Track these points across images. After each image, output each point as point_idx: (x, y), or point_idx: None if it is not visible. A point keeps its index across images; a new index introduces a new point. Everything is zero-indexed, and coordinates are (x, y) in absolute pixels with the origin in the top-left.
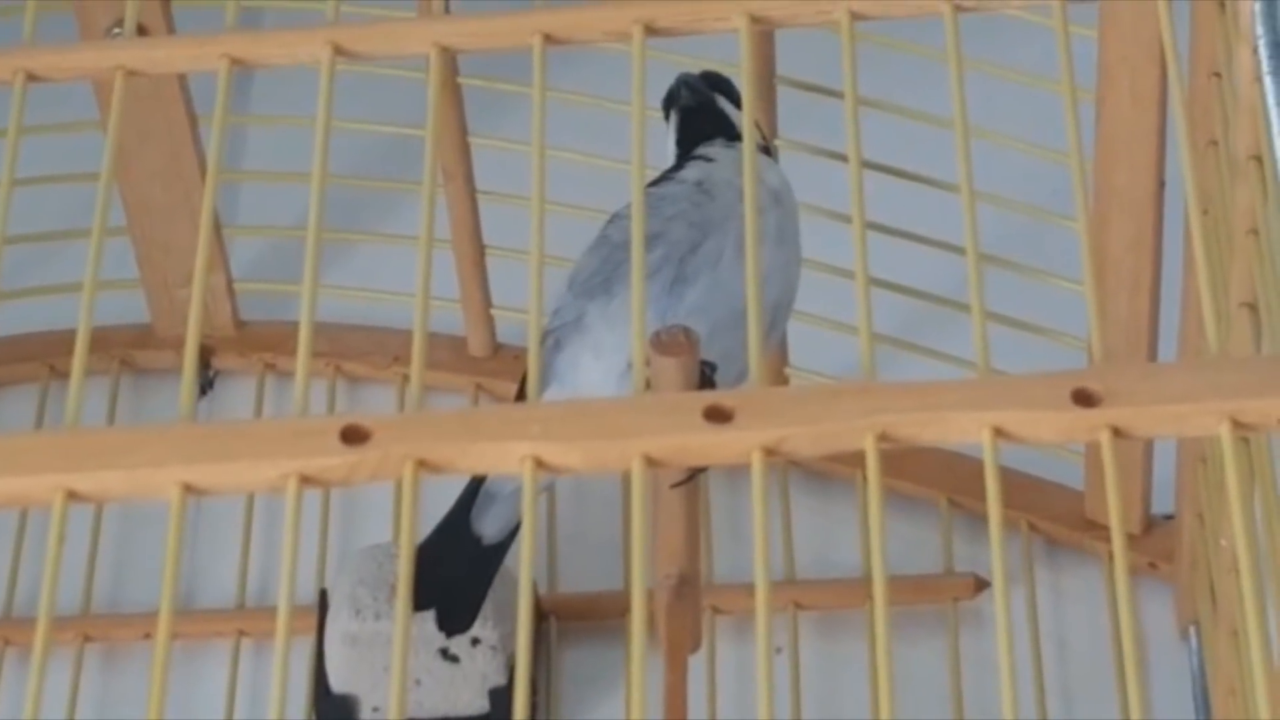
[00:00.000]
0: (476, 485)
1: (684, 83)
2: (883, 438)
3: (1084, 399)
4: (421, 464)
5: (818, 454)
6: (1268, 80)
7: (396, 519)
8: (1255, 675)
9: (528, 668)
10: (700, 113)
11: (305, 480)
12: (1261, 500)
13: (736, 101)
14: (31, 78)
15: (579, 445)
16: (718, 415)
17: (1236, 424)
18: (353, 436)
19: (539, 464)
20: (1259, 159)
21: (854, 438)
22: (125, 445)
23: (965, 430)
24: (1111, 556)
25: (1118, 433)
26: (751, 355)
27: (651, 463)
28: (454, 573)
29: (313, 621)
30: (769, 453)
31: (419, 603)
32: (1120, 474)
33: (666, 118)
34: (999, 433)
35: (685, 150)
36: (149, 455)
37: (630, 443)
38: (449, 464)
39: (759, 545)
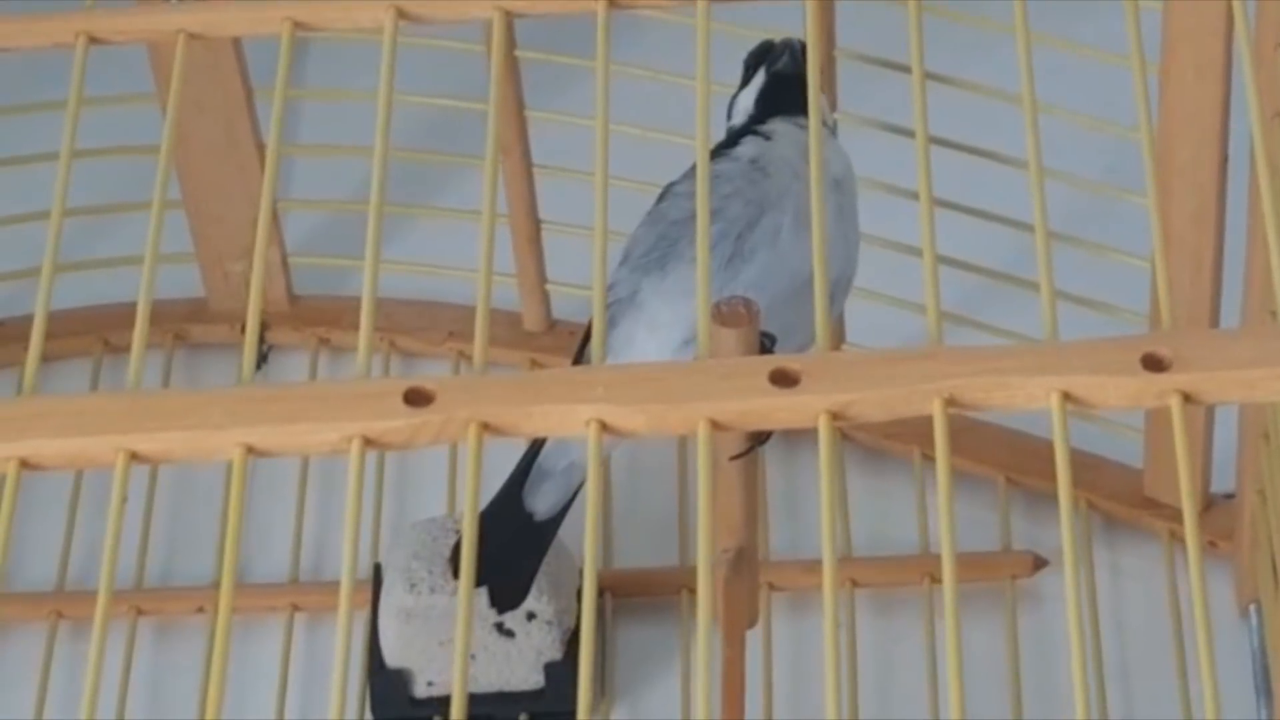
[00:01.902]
0: (529, 462)
1: (790, 47)
2: (950, 402)
3: (1154, 364)
4: (485, 427)
5: (884, 418)
6: None
7: (450, 492)
8: None
9: (593, 638)
10: (793, 82)
11: (368, 443)
12: None
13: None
14: (93, 40)
15: (643, 408)
16: (783, 379)
17: None
18: (416, 399)
19: (603, 427)
20: None
21: (921, 402)
22: (186, 407)
23: (1033, 396)
24: (1171, 535)
25: (1187, 398)
26: (819, 320)
27: (716, 426)
28: (506, 549)
29: (367, 596)
30: (835, 417)
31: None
32: (1192, 478)
33: (749, 71)
34: (1067, 398)
35: (761, 111)
36: (211, 417)
37: (695, 406)
38: (512, 427)
39: (825, 510)
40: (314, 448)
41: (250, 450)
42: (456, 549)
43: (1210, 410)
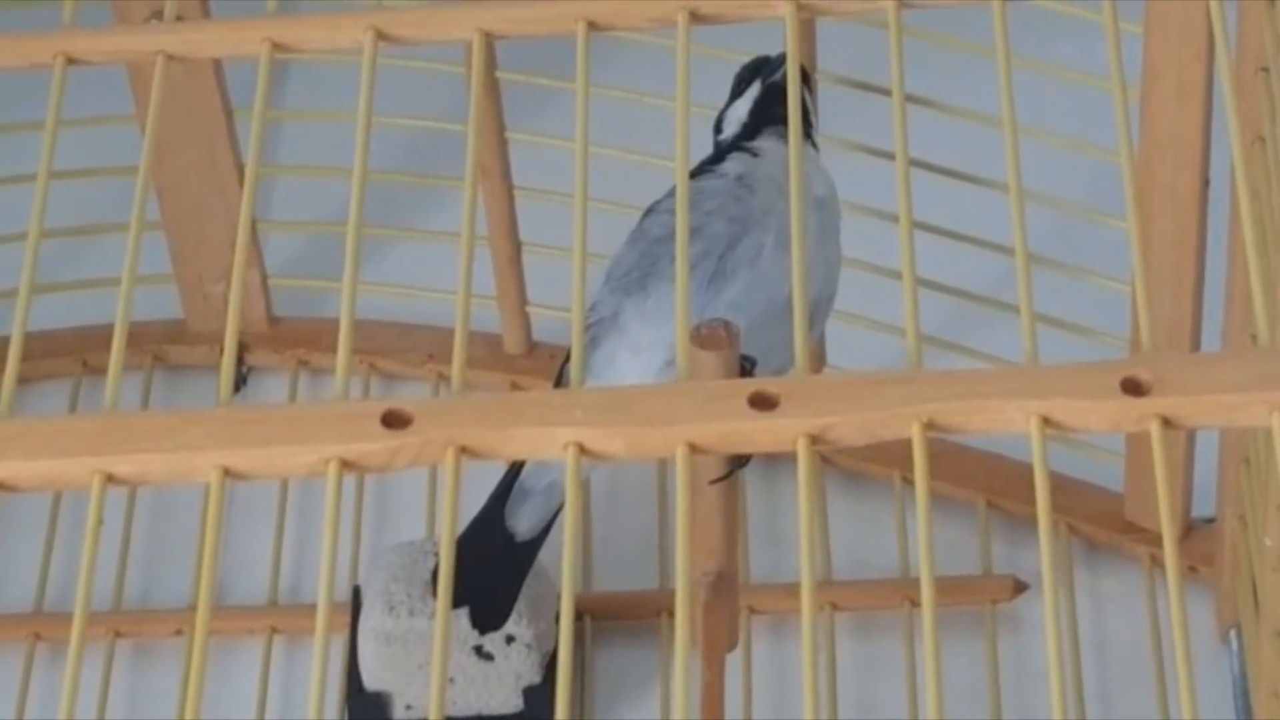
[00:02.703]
0: (510, 482)
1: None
2: (929, 426)
3: (1133, 388)
4: (463, 450)
5: (863, 442)
6: None
7: (430, 516)
8: None
9: (570, 661)
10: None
11: (346, 465)
12: None
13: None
14: (71, 61)
15: (622, 431)
16: (763, 402)
17: None
18: (394, 421)
19: (582, 450)
20: None
21: (900, 426)
22: (164, 429)
23: (1012, 420)
24: (1152, 559)
25: (1167, 423)
26: (797, 343)
27: (695, 449)
28: (487, 570)
29: (345, 619)
30: (814, 440)
31: (452, 600)
32: (1171, 503)
33: (742, 85)
34: (1047, 422)
35: (755, 121)
36: (188, 439)
37: (674, 429)
38: (491, 450)
39: (804, 532)
40: (292, 470)
41: (228, 473)
42: (437, 571)
43: (1191, 435)
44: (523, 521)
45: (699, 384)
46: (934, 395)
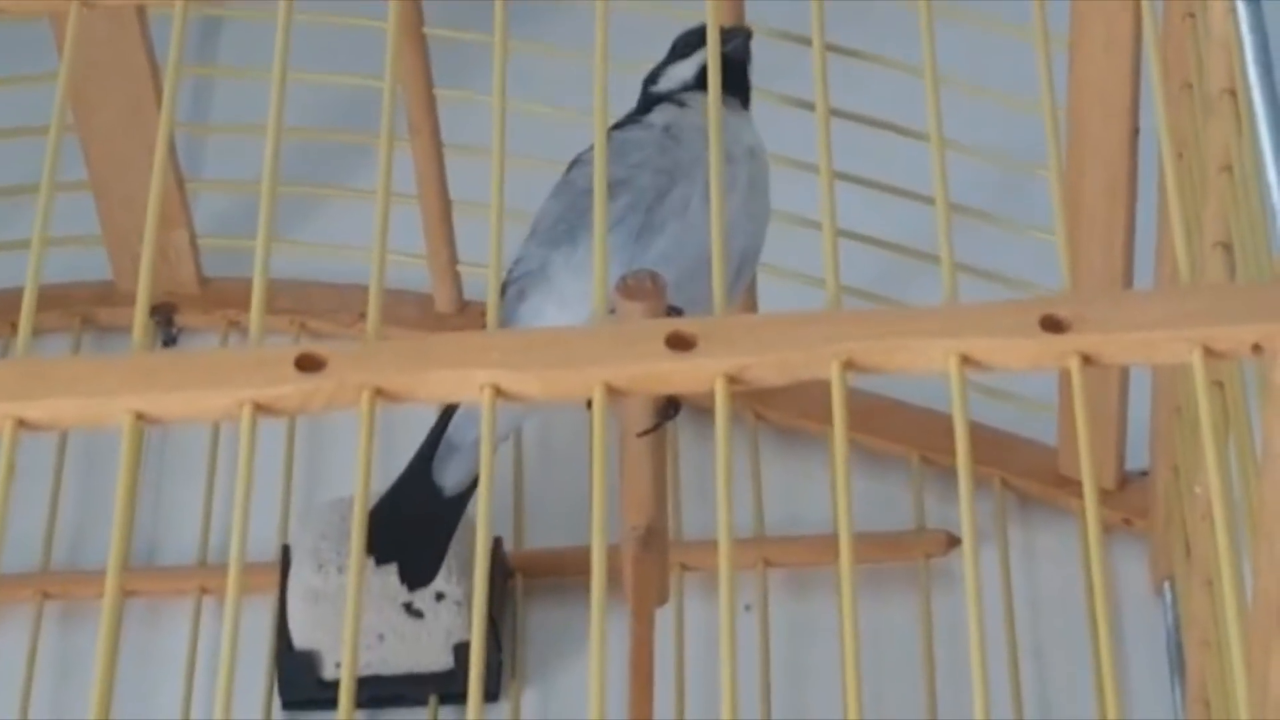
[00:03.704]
0: (437, 436)
1: (746, 34)
2: (848, 365)
3: (1053, 325)
4: (378, 393)
5: (782, 382)
6: (1241, 8)
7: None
8: (1228, 610)
9: (484, 609)
10: (737, 68)
11: (259, 408)
12: (1235, 445)
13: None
14: None
15: (539, 374)
16: (680, 343)
17: (1208, 351)
18: (308, 365)
19: (498, 392)
20: (1232, 92)
21: (819, 366)
22: (78, 374)
23: (932, 359)
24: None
25: (1087, 360)
26: (715, 283)
27: (612, 391)
28: (416, 525)
29: (275, 579)
30: (732, 380)
31: (380, 557)
32: (1094, 427)
33: (687, 49)
34: (966, 360)
35: (699, 84)
36: (102, 384)
37: (591, 371)
38: (407, 393)
39: (721, 477)
40: (206, 414)
41: (141, 417)
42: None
43: (1124, 386)
44: (450, 476)
45: (617, 325)
46: (853, 334)
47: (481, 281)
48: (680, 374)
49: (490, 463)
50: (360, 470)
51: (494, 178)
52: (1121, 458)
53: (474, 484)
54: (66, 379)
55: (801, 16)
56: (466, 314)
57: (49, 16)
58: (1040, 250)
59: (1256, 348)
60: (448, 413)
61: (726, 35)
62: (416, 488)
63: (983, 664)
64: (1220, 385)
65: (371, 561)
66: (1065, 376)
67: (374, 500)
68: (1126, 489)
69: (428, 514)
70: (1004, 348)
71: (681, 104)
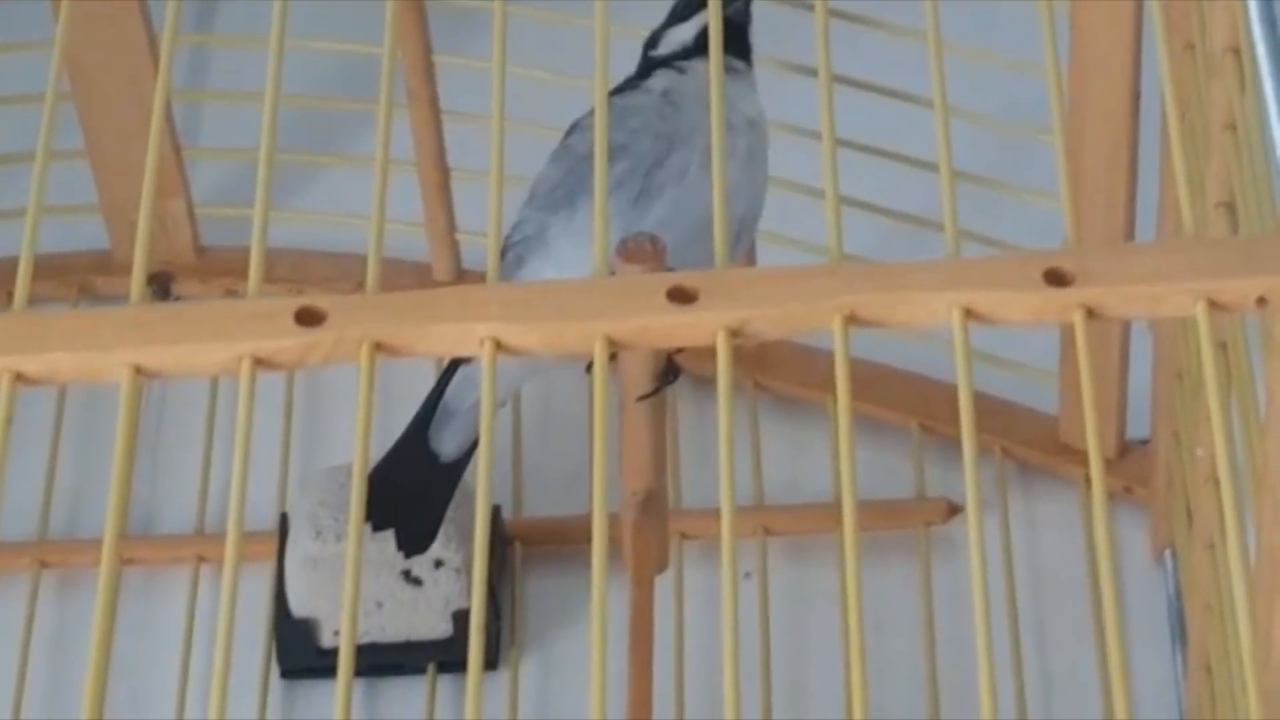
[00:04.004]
0: (435, 401)
1: None
2: (850, 319)
3: (1056, 279)
4: (378, 346)
5: (784, 335)
6: None
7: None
8: (1232, 566)
9: (485, 571)
10: (738, 31)
11: (259, 362)
12: (1238, 407)
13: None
14: None
15: (539, 326)
16: (681, 296)
17: (1212, 304)
18: (307, 318)
19: (498, 345)
20: (1236, 51)
21: (820, 318)
22: (75, 328)
23: (934, 311)
24: (1087, 481)
25: (1091, 313)
26: (717, 240)
27: (613, 344)
28: (413, 491)
29: (273, 547)
30: (734, 334)
31: (377, 523)
32: (1095, 392)
33: (686, 10)
34: (969, 314)
35: (698, 47)
36: (99, 338)
37: (592, 324)
38: (406, 346)
39: (724, 432)
40: (205, 368)
41: (139, 370)
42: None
43: (1125, 354)
44: (447, 442)
45: (617, 279)
46: (855, 288)
47: (479, 250)
48: (682, 327)
49: (490, 417)
50: (360, 426)
51: (494, 140)
52: (1122, 426)
53: (471, 450)
54: (64, 333)
55: None
56: (465, 282)
57: None
58: (1040, 216)
59: (1261, 300)
60: (445, 378)
61: None
62: (413, 453)
63: (987, 633)
64: (1223, 347)
65: (369, 528)
66: (1067, 338)
67: (371, 466)
68: (1127, 458)
69: (425, 480)
70: (1007, 301)
71: (681, 70)
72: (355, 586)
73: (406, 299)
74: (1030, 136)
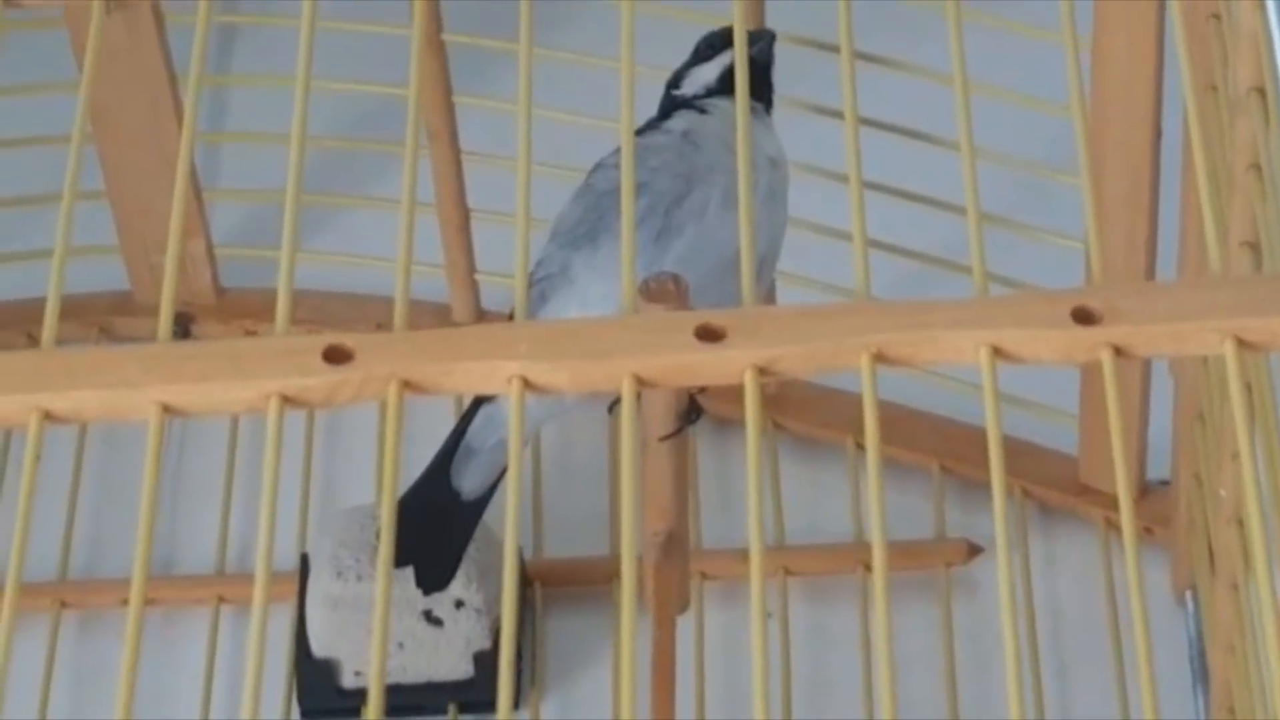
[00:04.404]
0: (457, 439)
1: (770, 37)
2: (878, 357)
3: (1084, 317)
4: (406, 384)
5: (811, 374)
6: (1269, 4)
7: (379, 482)
8: (1262, 601)
9: (514, 618)
10: (761, 71)
11: (287, 400)
12: (1263, 444)
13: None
14: (9, 2)
15: (567, 364)
16: (709, 334)
17: (1240, 342)
18: (336, 356)
19: (526, 384)
20: (1261, 90)
21: (848, 356)
22: (102, 365)
23: (961, 350)
24: (1107, 522)
25: (1119, 352)
26: (744, 279)
27: (641, 382)
28: (432, 528)
29: (293, 587)
30: (762, 372)
31: (396, 559)
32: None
33: (711, 50)
34: (997, 352)
35: (723, 88)
36: (127, 375)
37: (619, 362)
38: (434, 384)
39: (752, 471)
40: (232, 406)
41: (167, 409)
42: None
43: (1145, 396)
44: (468, 480)
45: (645, 317)
46: (882, 326)
47: (499, 291)
48: (709, 365)
49: (519, 455)
50: (388, 463)
51: (520, 181)
52: (1142, 467)
53: (492, 490)
54: (91, 371)
55: (814, 21)
56: (484, 323)
57: (67, 23)
58: (1055, 253)
59: None
60: (467, 416)
61: (751, 38)
62: (434, 491)
63: (1018, 676)
64: (1248, 387)
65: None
66: (1089, 378)
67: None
68: (1147, 498)
69: (445, 518)
70: (1035, 339)
71: (703, 110)
72: (384, 628)
73: (434, 337)
74: (1048, 175)
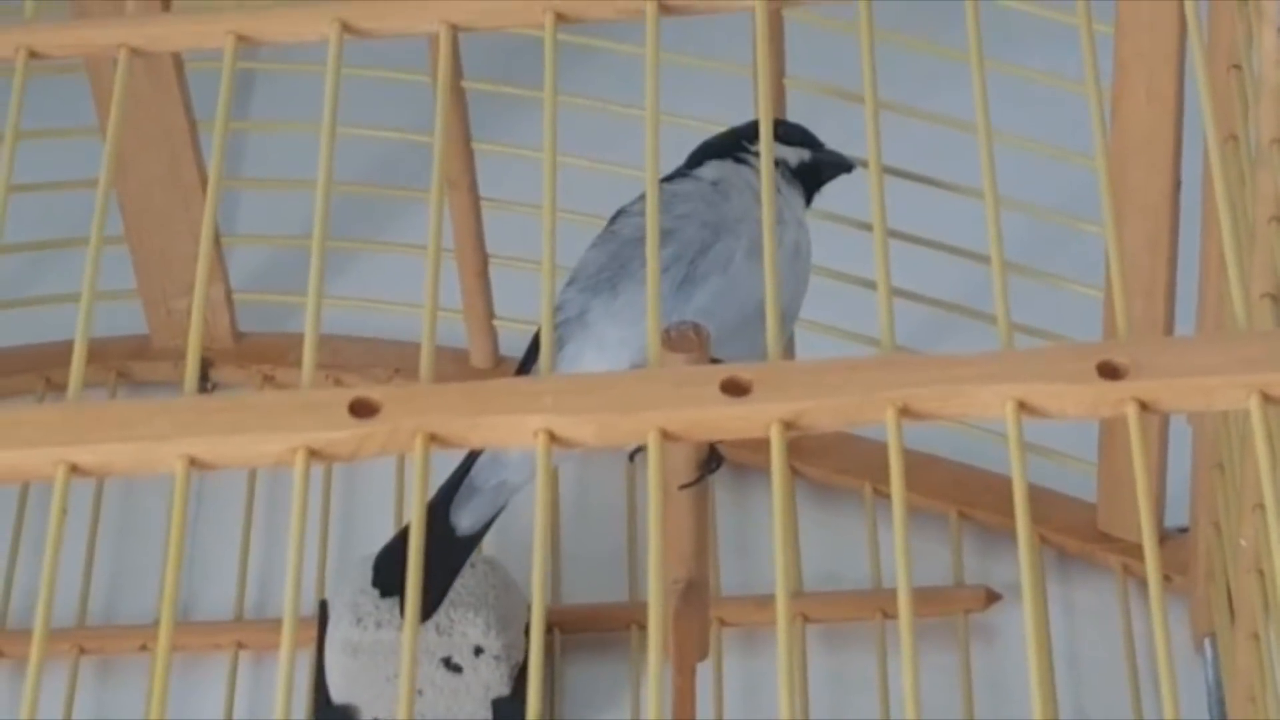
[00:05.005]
0: (460, 477)
1: (847, 166)
2: (904, 411)
3: (1110, 372)
4: (432, 438)
5: (837, 427)
6: None
7: (398, 526)
8: None
9: (541, 665)
10: (817, 174)
11: (313, 454)
12: None
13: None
14: (33, 54)
15: (592, 418)
16: (735, 388)
17: (1266, 397)
18: (362, 410)
19: (552, 437)
20: None
21: (874, 411)
22: (129, 418)
23: (987, 404)
24: (1125, 569)
25: (1144, 406)
26: (770, 333)
27: (667, 436)
28: (424, 559)
29: (312, 634)
30: (788, 426)
31: (385, 589)
32: (1148, 484)
33: (795, 137)
34: (1023, 407)
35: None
36: (153, 428)
37: (645, 416)
38: (460, 438)
39: (778, 522)
40: (259, 459)
41: (193, 462)
42: (379, 563)
43: (1164, 444)
44: (466, 518)
45: (670, 370)
46: (908, 380)
47: (517, 336)
48: (735, 420)
49: (547, 510)
50: (415, 516)
51: (545, 229)
52: (1161, 514)
53: (487, 527)
54: (117, 423)
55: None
56: (503, 370)
57: (86, 69)
58: (1070, 301)
59: None
60: (472, 455)
61: (833, 155)
62: (431, 524)
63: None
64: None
65: (379, 594)
66: (1109, 428)
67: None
68: (1166, 545)
69: (438, 550)
70: (1060, 393)
71: (739, 160)
72: (411, 677)
73: (460, 390)
74: (1067, 225)
